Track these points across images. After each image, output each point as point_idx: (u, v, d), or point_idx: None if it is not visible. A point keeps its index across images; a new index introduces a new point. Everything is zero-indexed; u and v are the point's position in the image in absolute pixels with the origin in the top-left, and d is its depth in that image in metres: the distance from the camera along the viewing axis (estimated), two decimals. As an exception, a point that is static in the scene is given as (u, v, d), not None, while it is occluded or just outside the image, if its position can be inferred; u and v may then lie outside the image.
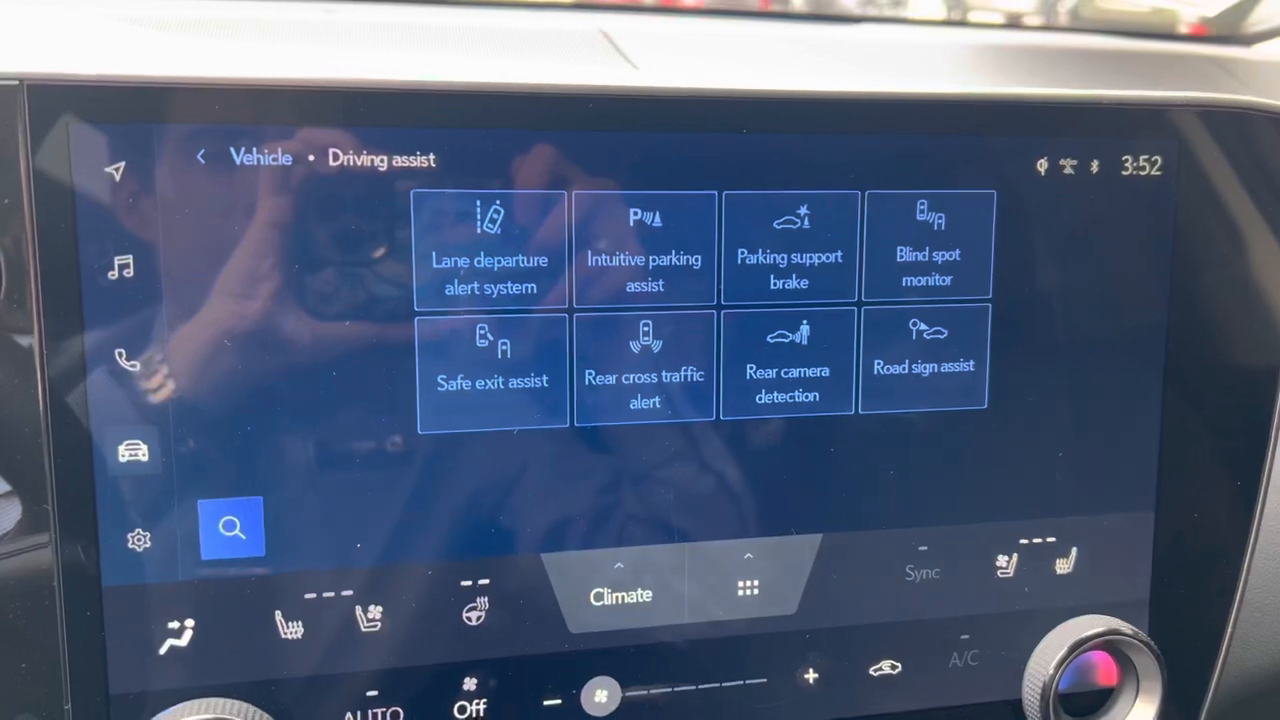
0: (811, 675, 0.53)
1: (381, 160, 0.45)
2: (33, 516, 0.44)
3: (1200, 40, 1.02)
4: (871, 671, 0.54)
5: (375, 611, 0.48)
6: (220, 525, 0.46)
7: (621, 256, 0.48)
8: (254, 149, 0.44)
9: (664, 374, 0.50)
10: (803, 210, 0.50)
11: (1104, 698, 0.56)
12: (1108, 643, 0.55)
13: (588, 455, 0.49)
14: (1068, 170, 0.52)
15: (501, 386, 0.48)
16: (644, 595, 0.51)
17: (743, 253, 0.49)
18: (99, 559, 0.44)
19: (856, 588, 0.53)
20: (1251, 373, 0.56)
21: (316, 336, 0.45)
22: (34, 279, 0.42)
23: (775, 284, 0.50)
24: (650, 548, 0.51)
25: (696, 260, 0.49)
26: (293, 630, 0.47)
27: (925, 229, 0.51)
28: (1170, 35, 1.05)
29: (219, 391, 0.45)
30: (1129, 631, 0.55)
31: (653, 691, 0.51)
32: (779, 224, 0.50)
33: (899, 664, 0.54)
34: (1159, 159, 0.53)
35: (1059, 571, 0.55)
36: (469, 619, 0.49)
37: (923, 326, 0.52)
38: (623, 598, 0.51)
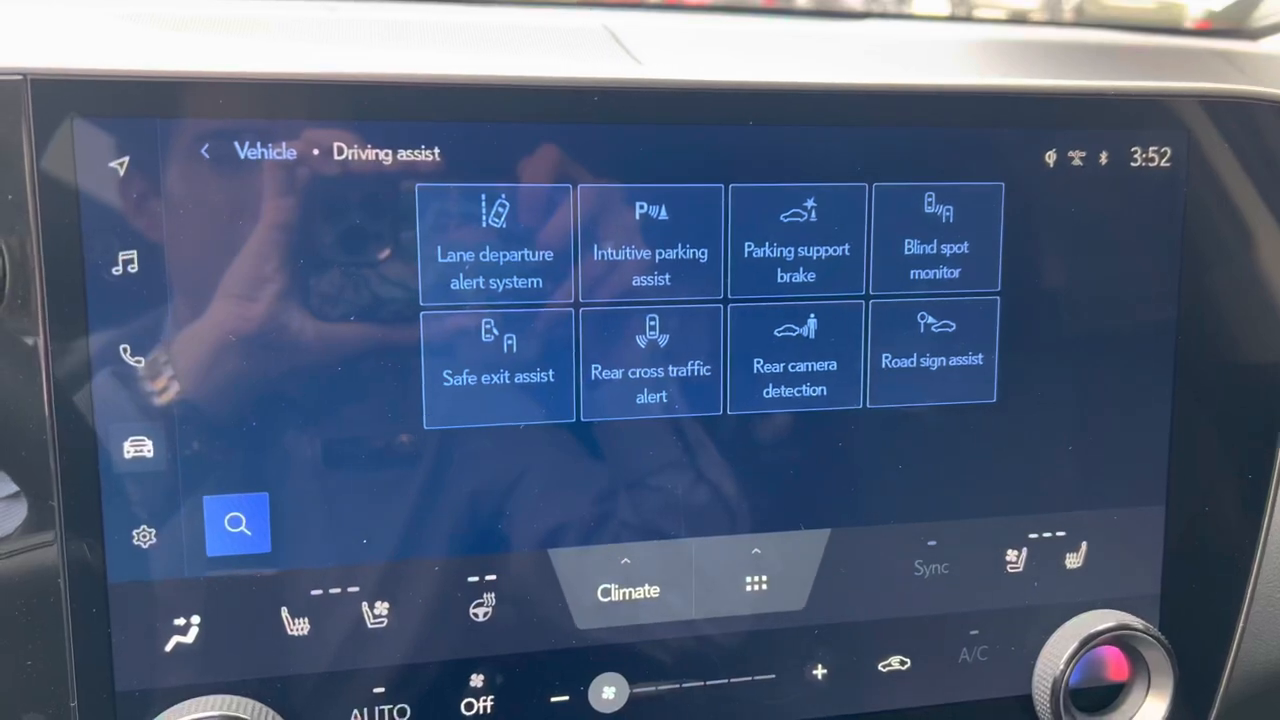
0: (820, 671, 0.53)
1: (386, 155, 0.45)
2: (38, 513, 0.44)
3: (1206, 35, 1.02)
4: (880, 667, 0.54)
5: (382, 608, 0.48)
6: (226, 522, 0.46)
7: (627, 250, 0.48)
8: (258, 144, 0.44)
9: (670, 369, 0.49)
10: (810, 203, 0.49)
11: (1115, 693, 0.56)
12: (1118, 638, 0.54)
13: (594, 451, 0.49)
14: (1076, 162, 0.52)
15: (507, 382, 0.48)
16: (651, 591, 0.51)
17: (749, 246, 0.49)
18: (104, 556, 0.44)
19: (865, 583, 0.53)
20: (1262, 364, 0.56)
21: (321, 331, 0.45)
22: (38, 275, 0.42)
23: (782, 277, 0.50)
24: (657, 543, 0.50)
25: (703, 254, 0.49)
26: (299, 627, 0.47)
27: (934, 221, 0.51)
28: (1176, 30, 1.04)
29: (224, 387, 0.45)
30: (1140, 626, 0.54)
31: (660, 688, 0.51)
32: (786, 217, 0.49)
33: (908, 659, 0.54)
34: (1168, 150, 0.53)
35: (1069, 566, 0.55)
36: (476, 615, 0.49)
37: (931, 320, 0.52)
38: (630, 593, 0.50)
